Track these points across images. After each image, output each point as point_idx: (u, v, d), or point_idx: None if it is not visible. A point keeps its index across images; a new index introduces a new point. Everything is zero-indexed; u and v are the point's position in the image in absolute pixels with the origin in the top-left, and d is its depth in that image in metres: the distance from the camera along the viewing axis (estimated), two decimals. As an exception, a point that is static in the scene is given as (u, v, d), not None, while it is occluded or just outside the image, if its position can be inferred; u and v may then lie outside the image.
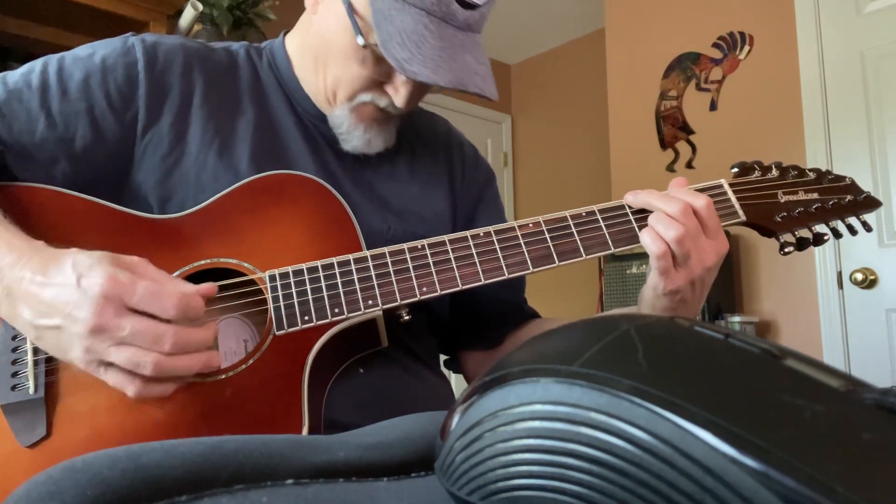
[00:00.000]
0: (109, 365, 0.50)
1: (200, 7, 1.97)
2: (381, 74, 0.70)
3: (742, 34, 2.44)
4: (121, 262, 0.51)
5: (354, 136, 0.74)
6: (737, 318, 2.17)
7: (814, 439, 0.22)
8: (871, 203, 0.73)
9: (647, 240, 0.62)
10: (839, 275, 2.12)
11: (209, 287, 0.54)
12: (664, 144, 2.63)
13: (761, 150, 2.30)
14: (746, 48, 2.42)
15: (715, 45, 2.51)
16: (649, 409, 0.23)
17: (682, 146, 2.58)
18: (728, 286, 2.30)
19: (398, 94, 0.70)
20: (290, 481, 0.31)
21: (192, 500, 0.28)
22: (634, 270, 2.29)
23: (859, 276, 2.05)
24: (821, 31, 2.22)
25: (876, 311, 2.04)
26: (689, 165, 2.54)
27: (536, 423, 0.26)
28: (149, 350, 0.49)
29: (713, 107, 2.50)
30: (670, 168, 2.60)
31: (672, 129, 2.61)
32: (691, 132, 2.55)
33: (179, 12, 2.03)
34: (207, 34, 2.08)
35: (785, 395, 0.24)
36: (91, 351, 0.49)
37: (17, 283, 0.51)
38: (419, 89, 0.70)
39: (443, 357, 0.87)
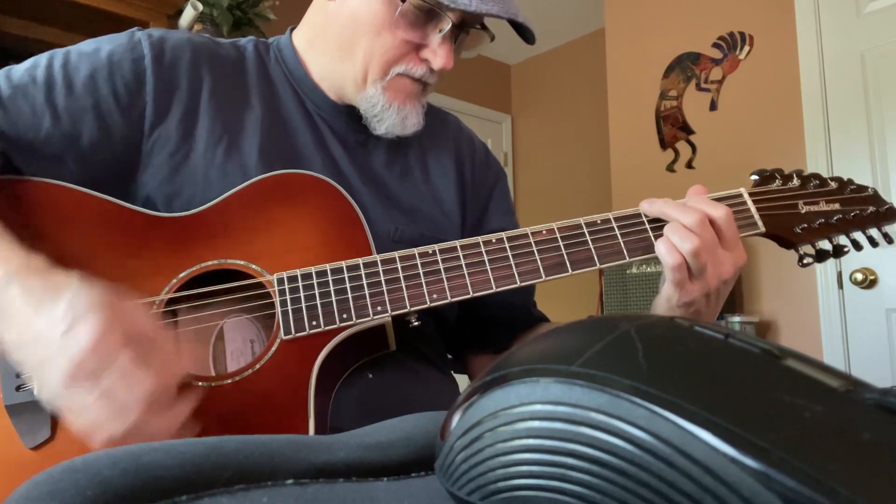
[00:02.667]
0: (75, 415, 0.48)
1: (200, 7, 1.97)
2: (416, 37, 0.69)
3: (742, 34, 2.44)
4: (119, 313, 0.48)
5: (388, 116, 0.72)
6: (737, 318, 2.17)
7: (814, 439, 0.22)
8: (894, 214, 0.71)
9: (663, 250, 0.61)
10: (839, 275, 2.12)
11: (189, 366, 0.52)
12: (664, 144, 2.63)
13: (761, 150, 2.30)
14: (746, 48, 2.42)
15: (715, 45, 2.51)
16: (649, 409, 0.23)
17: (682, 146, 2.57)
18: (728, 286, 2.30)
19: (437, 56, 0.69)
20: (290, 481, 0.31)
21: (193, 500, 0.28)
22: (634, 271, 2.28)
23: (859, 276, 2.05)
24: (821, 31, 2.22)
25: (876, 311, 2.04)
26: (689, 165, 2.54)
27: (536, 423, 0.26)
28: (108, 422, 0.47)
29: (713, 107, 2.50)
30: (670, 168, 2.60)
31: (672, 129, 2.61)
32: (691, 132, 2.55)
33: (179, 12, 2.03)
34: (207, 34, 2.08)
35: (785, 395, 0.24)
36: (60, 398, 0.48)
37: (9, 303, 0.49)
38: (452, 52, 0.70)
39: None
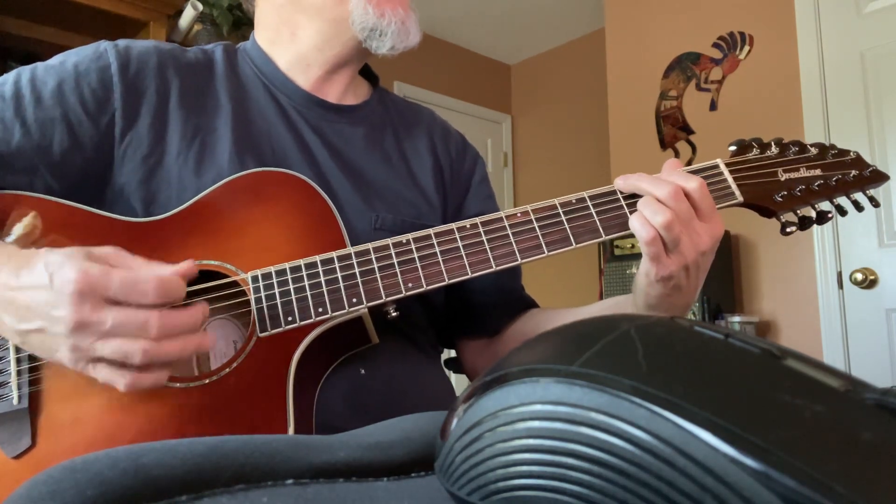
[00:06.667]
0: (98, 360, 0.49)
1: (200, 7, 1.97)
2: None
3: (742, 34, 2.44)
4: (93, 254, 0.50)
5: (387, 26, 0.74)
6: (737, 318, 2.17)
7: (814, 439, 0.22)
8: (879, 177, 0.69)
9: (636, 225, 0.60)
10: (839, 275, 2.12)
11: (187, 266, 0.52)
12: (664, 144, 2.63)
13: (761, 150, 2.30)
14: (746, 48, 2.42)
15: (715, 45, 2.51)
16: (649, 409, 0.23)
17: (682, 146, 2.58)
18: (728, 286, 2.30)
19: None
20: (290, 481, 0.31)
21: (193, 500, 0.28)
22: (634, 270, 2.28)
23: (859, 276, 2.05)
24: (821, 31, 2.22)
25: (876, 311, 2.04)
26: (689, 165, 2.54)
27: (536, 423, 0.26)
28: (136, 338, 0.48)
29: (713, 107, 2.50)
30: (670, 168, 2.60)
31: (672, 129, 2.61)
32: (691, 132, 2.55)
33: (179, 12, 2.03)
34: (207, 34, 2.08)
35: (785, 394, 0.24)
36: (77, 349, 0.48)
37: None
38: None
39: (444, 357, 0.87)
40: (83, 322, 0.47)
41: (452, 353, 0.90)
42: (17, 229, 0.58)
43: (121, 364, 0.49)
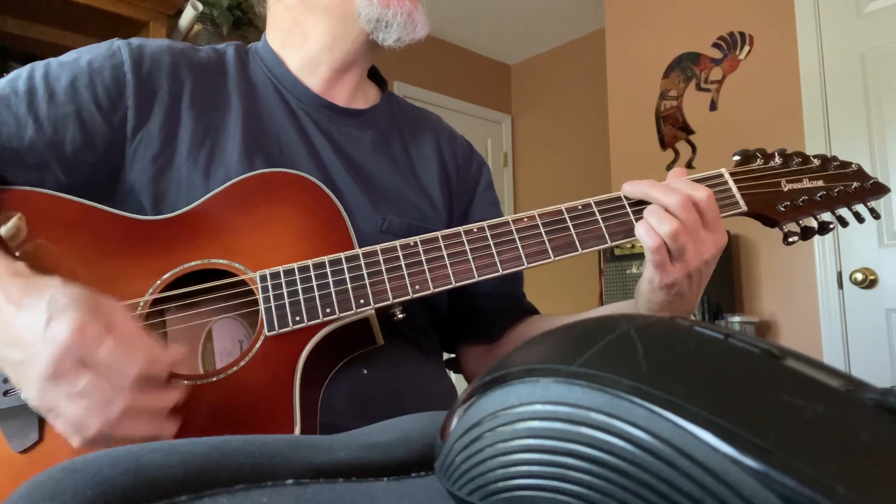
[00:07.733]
0: (58, 415, 0.48)
1: (200, 7, 1.97)
2: None
3: (742, 34, 2.44)
4: (99, 308, 0.49)
5: (392, 18, 0.74)
6: (737, 318, 2.17)
7: (814, 439, 0.22)
8: (880, 189, 0.70)
9: (642, 233, 0.61)
10: (839, 275, 2.12)
11: (179, 353, 0.52)
12: (664, 144, 2.63)
13: (761, 150, 2.30)
14: (746, 48, 2.42)
15: (715, 45, 2.51)
16: (649, 409, 0.23)
17: (682, 146, 2.58)
18: (728, 286, 2.30)
19: None
20: (290, 481, 0.31)
21: (193, 500, 0.28)
22: (634, 270, 2.28)
23: (859, 276, 2.05)
24: (821, 31, 2.22)
25: (876, 311, 2.04)
26: (689, 165, 2.54)
27: (536, 423, 0.26)
28: (98, 411, 0.47)
29: (713, 107, 2.50)
30: (670, 168, 2.60)
31: (672, 129, 2.61)
32: (691, 132, 2.55)
33: (179, 12, 2.03)
34: (207, 34, 2.08)
35: (785, 395, 0.24)
36: (43, 397, 0.47)
37: None
38: None
39: (444, 356, 0.87)
40: (58, 376, 0.46)
41: (452, 355, 0.90)
42: (1, 231, 0.58)
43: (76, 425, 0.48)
